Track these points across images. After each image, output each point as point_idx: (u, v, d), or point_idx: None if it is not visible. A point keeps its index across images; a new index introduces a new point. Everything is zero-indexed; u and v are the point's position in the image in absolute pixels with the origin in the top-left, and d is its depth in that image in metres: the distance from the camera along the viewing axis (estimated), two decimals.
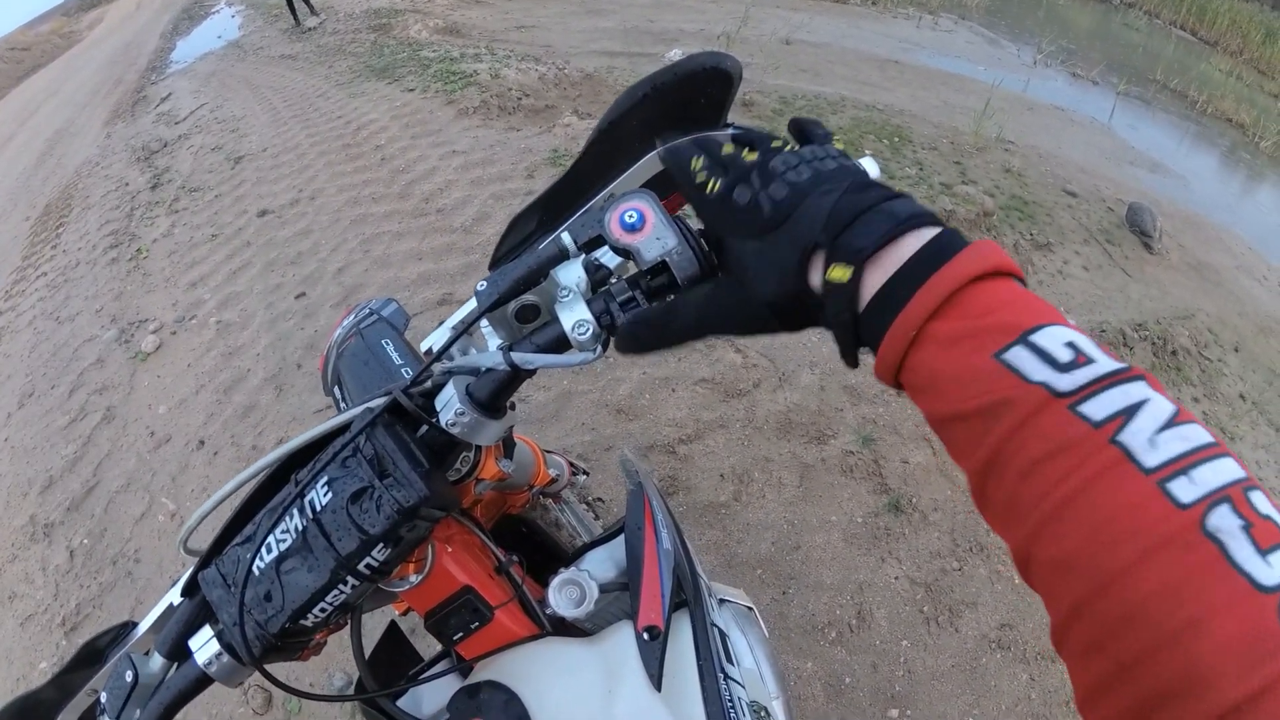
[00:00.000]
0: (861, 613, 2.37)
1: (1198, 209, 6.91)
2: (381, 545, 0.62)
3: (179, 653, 0.72)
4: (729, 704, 0.73)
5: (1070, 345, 0.40)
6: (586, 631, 0.81)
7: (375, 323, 1.52)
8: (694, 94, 0.68)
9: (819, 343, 3.26)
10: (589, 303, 0.61)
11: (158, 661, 0.74)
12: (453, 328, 0.74)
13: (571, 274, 0.63)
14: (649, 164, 0.70)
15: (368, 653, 0.84)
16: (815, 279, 0.48)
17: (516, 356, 0.62)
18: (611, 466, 2.77)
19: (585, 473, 1.42)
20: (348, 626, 0.77)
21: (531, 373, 0.65)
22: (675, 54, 8.43)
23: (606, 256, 0.66)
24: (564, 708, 0.71)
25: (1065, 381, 0.38)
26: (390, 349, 1.40)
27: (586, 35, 9.88)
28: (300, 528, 0.63)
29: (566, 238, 0.63)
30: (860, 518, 2.64)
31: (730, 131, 0.65)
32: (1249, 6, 22.22)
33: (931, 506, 2.67)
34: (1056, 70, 11.35)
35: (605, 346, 0.62)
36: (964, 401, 0.41)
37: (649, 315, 0.58)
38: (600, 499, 2.62)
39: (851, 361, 0.50)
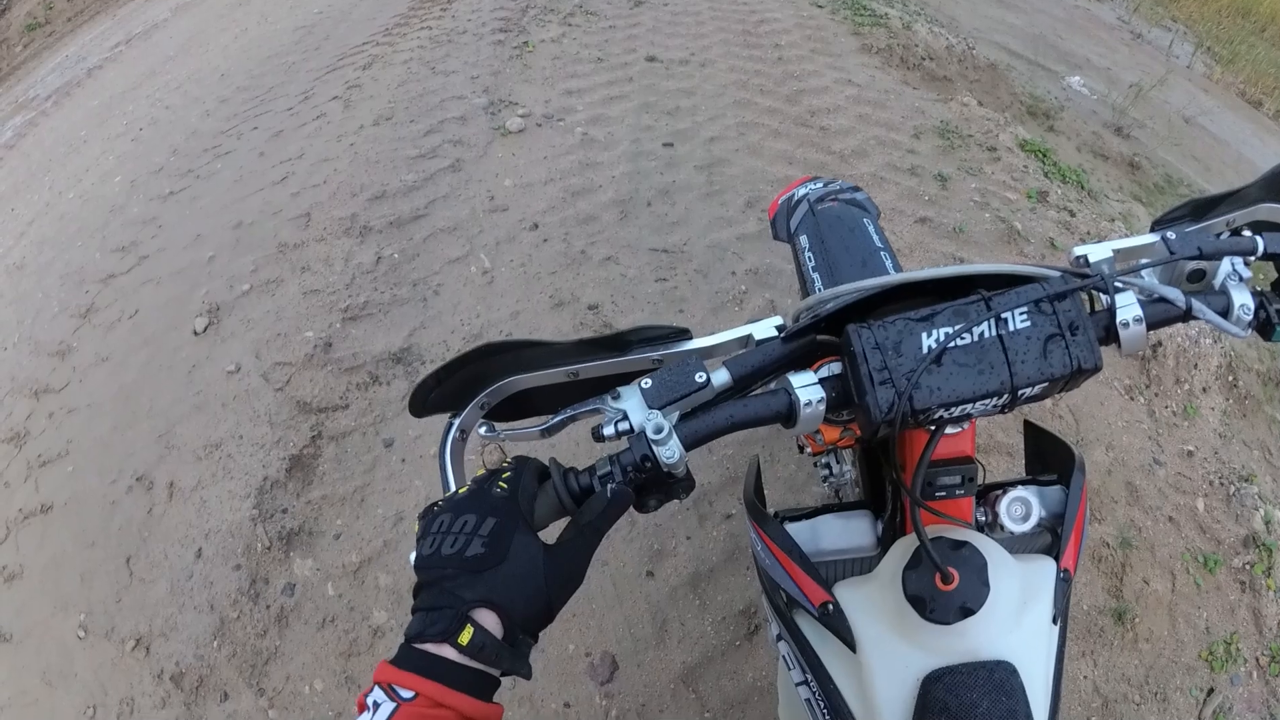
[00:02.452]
0: None
1: None
2: (1046, 385, 0.71)
3: (749, 382, 0.79)
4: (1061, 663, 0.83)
5: None
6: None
7: (855, 203, 1.63)
8: None
9: (1122, 430, 3.06)
10: (1253, 295, 0.77)
11: (723, 379, 0.77)
12: (1120, 250, 0.83)
13: (1236, 266, 0.80)
14: (1268, 212, 0.92)
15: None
16: None
17: (1198, 306, 0.75)
18: None
19: None
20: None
21: (1183, 318, 0.77)
22: (1075, 81, 8.04)
23: (1243, 268, 0.80)
24: (1002, 600, 0.77)
25: None
26: (871, 230, 1.53)
27: (992, 23, 9.42)
28: (984, 335, 0.71)
29: (1262, 241, 0.78)
30: (1085, 605, 2.54)
31: None
32: None
33: (1146, 635, 2.52)
34: None
35: (1247, 331, 0.78)
36: None
37: None
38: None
39: None
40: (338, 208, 3.82)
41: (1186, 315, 0.75)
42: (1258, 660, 2.60)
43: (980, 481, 0.93)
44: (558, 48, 5.33)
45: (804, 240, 1.54)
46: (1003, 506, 0.91)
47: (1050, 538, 0.93)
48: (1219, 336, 3.84)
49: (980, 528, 0.93)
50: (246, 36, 7.50)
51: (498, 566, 0.63)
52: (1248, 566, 2.78)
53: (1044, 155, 4.70)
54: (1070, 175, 4.23)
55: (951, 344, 0.70)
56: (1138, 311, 0.74)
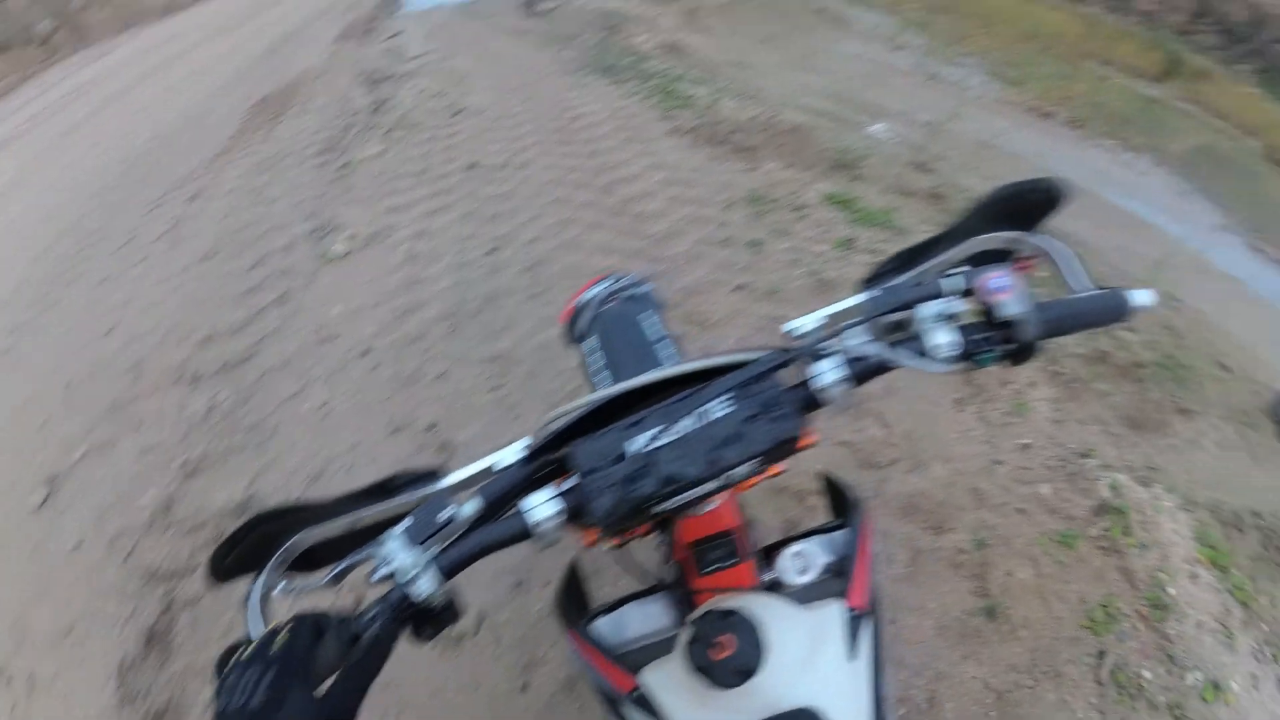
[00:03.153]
0: (933, 700, 2.40)
1: None
2: (752, 462, 0.78)
3: (499, 507, 0.84)
4: (885, 694, 0.89)
5: None
6: (791, 601, 0.93)
7: (637, 297, 1.70)
8: (1028, 202, 0.95)
9: (956, 442, 3.28)
10: (952, 330, 0.81)
11: (473, 509, 0.83)
12: (829, 315, 0.92)
13: (937, 308, 0.83)
14: (980, 243, 0.95)
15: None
16: None
17: (898, 353, 0.81)
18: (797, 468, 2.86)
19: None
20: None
21: (892, 368, 0.83)
22: (878, 129, 8.56)
23: (958, 305, 0.84)
24: (784, 654, 0.83)
25: None
26: (654, 322, 1.61)
27: (797, 88, 9.98)
28: (689, 429, 0.79)
29: (947, 283, 0.84)
30: (956, 612, 2.68)
31: (1040, 240, 0.95)
32: None
33: (1022, 623, 2.68)
34: (1240, 240, 11.03)
35: (954, 365, 0.82)
36: None
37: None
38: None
39: None
40: (167, 355, 3.80)
41: (887, 366, 0.83)
42: (1139, 612, 2.79)
43: (759, 543, 1.05)
44: (380, 164, 5.45)
45: (590, 344, 1.61)
46: (782, 563, 0.99)
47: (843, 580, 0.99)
48: (1153, 309, 4.14)
49: (771, 586, 1.00)
50: (75, 170, 7.38)
51: (273, 716, 0.68)
52: (1105, 532, 3.01)
53: (848, 204, 5.04)
54: (877, 217, 4.54)
55: (657, 444, 0.78)
56: (839, 374, 0.81)
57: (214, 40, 12.73)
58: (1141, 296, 0.85)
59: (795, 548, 1.01)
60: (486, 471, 0.90)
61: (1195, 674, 2.73)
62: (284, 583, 0.89)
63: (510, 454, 0.90)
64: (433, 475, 0.92)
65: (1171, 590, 2.96)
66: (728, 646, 0.82)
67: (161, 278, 4.57)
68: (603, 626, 1.07)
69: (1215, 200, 12.53)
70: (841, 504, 1.12)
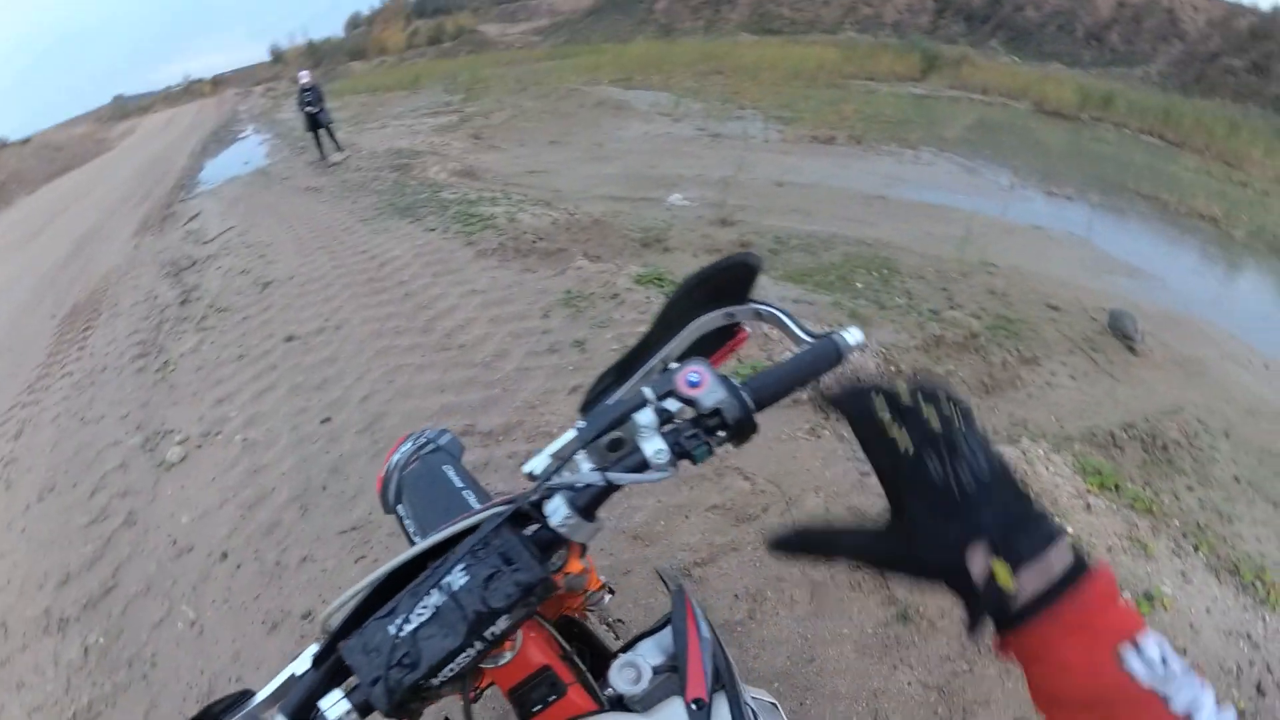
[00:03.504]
0: (878, 718, 2.47)
1: (1178, 307, 7.44)
2: (505, 616, 0.79)
3: (304, 714, 0.84)
4: None
5: (1162, 655, 0.51)
6: (635, 711, 0.95)
7: (435, 450, 1.72)
8: (728, 279, 0.99)
9: (821, 468, 3.48)
10: (663, 436, 0.83)
11: None
12: (553, 454, 0.95)
13: (647, 416, 0.85)
14: (694, 330, 1.01)
15: None
16: (976, 566, 0.56)
17: (614, 476, 0.82)
18: (631, 590, 2.95)
19: (611, 591, 1.58)
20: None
21: (619, 488, 0.85)
22: (676, 198, 9.04)
23: (672, 405, 0.86)
24: None
25: (1166, 688, 0.50)
26: (451, 473, 1.61)
27: (592, 180, 10.47)
28: (438, 604, 0.80)
29: (648, 391, 0.86)
30: (870, 629, 2.76)
31: (754, 306, 1.00)
32: (1211, 104, 23.66)
33: (938, 614, 2.80)
34: (1033, 191, 12.06)
35: (675, 466, 0.82)
36: (1086, 692, 0.52)
37: (813, 528, 0.70)
38: (620, 620, 2.78)
39: (977, 632, 0.57)
40: (29, 606, 3.69)
41: (612, 487, 0.83)
42: None
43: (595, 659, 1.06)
44: (198, 357, 5.45)
45: (403, 509, 1.61)
46: (613, 678, 0.96)
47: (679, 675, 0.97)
48: (864, 346, 4.41)
49: (615, 701, 0.98)
50: None
51: None
52: None
53: (660, 279, 5.34)
54: None
55: (415, 626, 0.79)
56: (565, 511, 0.82)
57: (11, 255, 12.31)
58: (852, 336, 0.91)
59: (622, 659, 0.98)
60: (290, 680, 0.91)
61: (1124, 594, 2.94)
62: None
63: (305, 659, 0.90)
64: (247, 695, 0.93)
65: (1070, 529, 3.21)
66: None
67: (4, 524, 4.44)
68: None
69: (1001, 165, 13.70)
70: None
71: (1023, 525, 0.55)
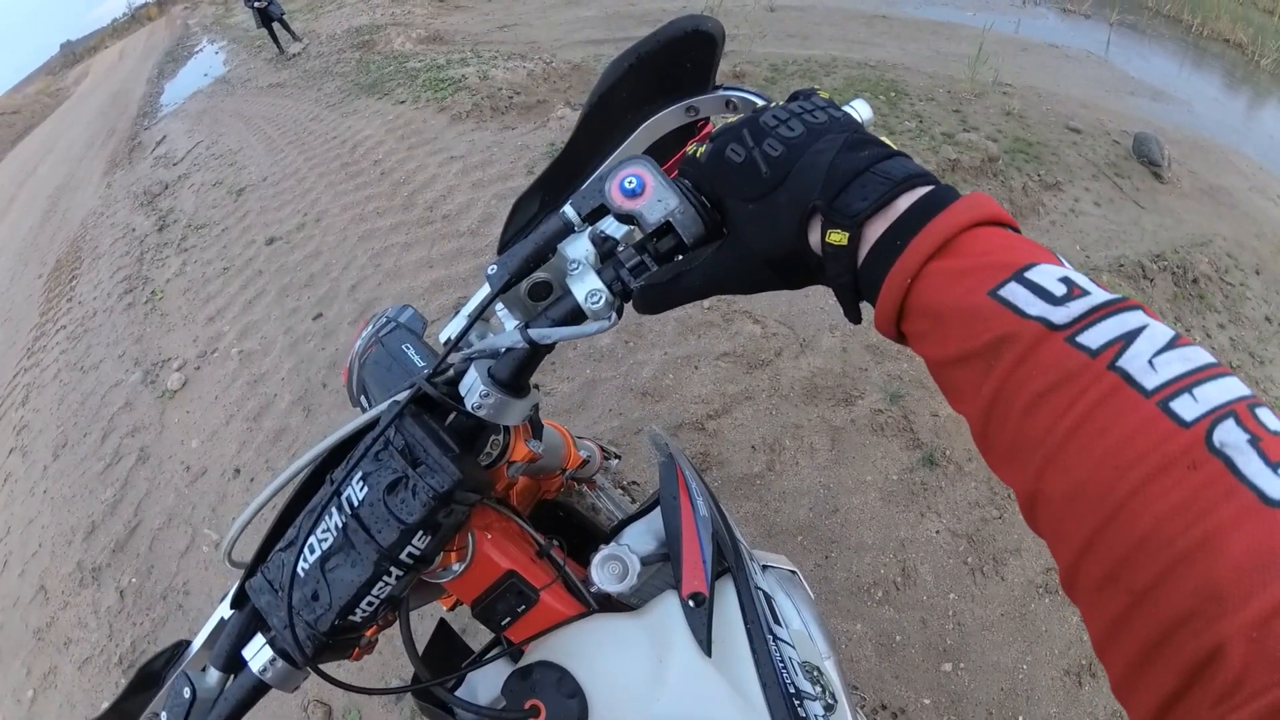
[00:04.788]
0: (906, 570, 2.36)
1: (1204, 133, 6.86)
2: (421, 533, 0.63)
3: (234, 664, 0.73)
4: (780, 665, 0.73)
5: (1064, 280, 0.40)
6: (631, 606, 0.80)
7: (394, 329, 1.52)
8: (679, 59, 0.71)
9: (836, 304, 3.25)
10: (599, 272, 0.62)
11: (214, 676, 0.75)
12: (468, 315, 0.75)
13: (579, 247, 0.63)
14: (645, 134, 0.74)
15: (421, 650, 0.85)
16: (814, 238, 0.49)
17: (534, 333, 0.62)
18: (643, 449, 2.77)
19: (617, 456, 1.43)
20: (398, 624, 0.77)
21: (550, 348, 0.66)
22: None
23: (611, 226, 0.66)
24: (616, 680, 0.71)
25: (1061, 314, 0.38)
26: (411, 352, 1.41)
27: (569, 27, 9.92)
28: (340, 525, 0.64)
29: (570, 211, 0.63)
30: (895, 475, 2.63)
31: (723, 93, 0.71)
32: None
33: (966, 457, 2.66)
34: (1047, 7, 11.36)
35: (620, 313, 0.63)
36: (965, 341, 0.41)
37: (658, 278, 0.60)
38: (635, 482, 2.61)
39: (854, 317, 0.53)
40: (61, 564, 3.64)
41: (537, 347, 0.64)
42: None
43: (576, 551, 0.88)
44: (184, 280, 5.24)
45: (365, 402, 1.52)
46: (594, 574, 0.79)
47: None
48: (873, 120, 4.20)
49: (604, 599, 0.82)
50: None
51: None
52: None
53: None
54: None
55: (318, 556, 0.64)
56: (481, 387, 0.65)
57: None
58: (861, 109, 0.61)
59: (603, 552, 0.80)
60: (220, 625, 0.80)
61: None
62: None
63: (226, 602, 0.78)
64: (183, 645, 0.84)
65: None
66: (541, 710, 0.69)
67: (26, 491, 4.36)
68: (462, 692, 0.89)
69: None
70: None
71: (859, 180, 0.47)
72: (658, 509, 0.86)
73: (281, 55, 12.09)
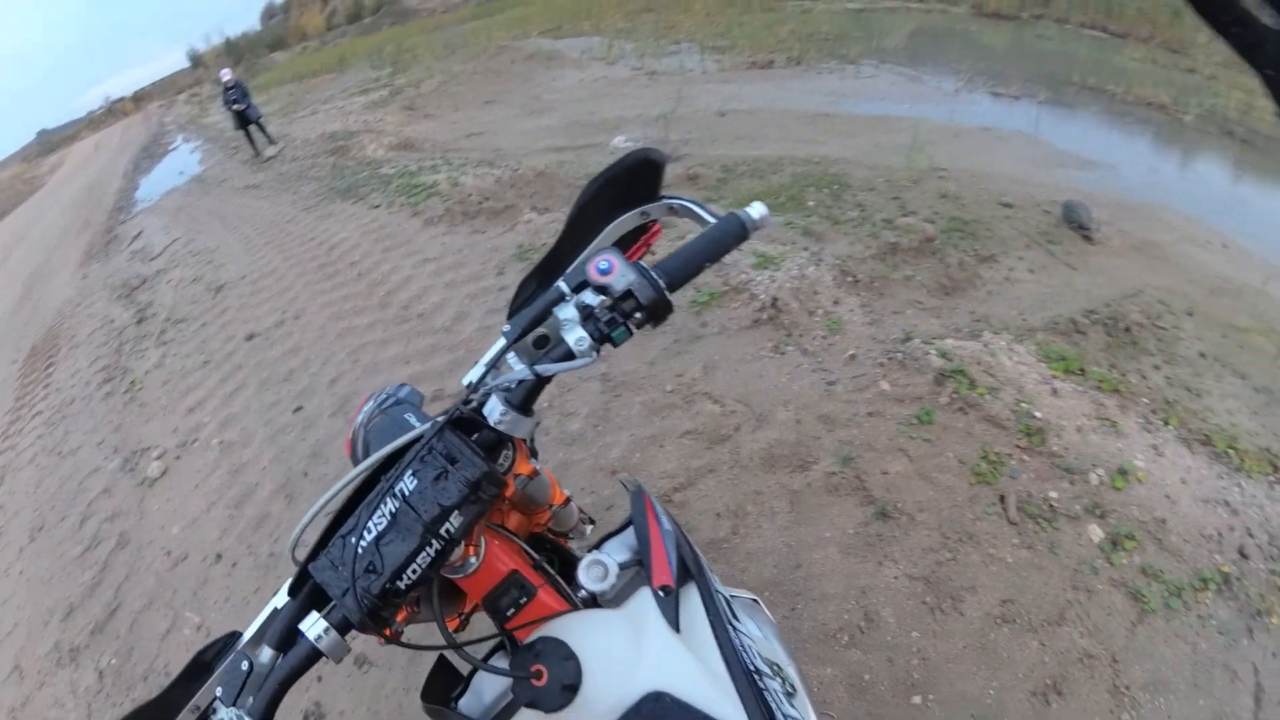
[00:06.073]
0: (869, 614, 2.52)
1: (1132, 193, 7.39)
2: (456, 513, 0.86)
3: (288, 642, 0.90)
4: (741, 647, 0.92)
5: None
6: (608, 606, 1.00)
7: (397, 404, 1.79)
8: (635, 179, 1.05)
9: (788, 382, 3.55)
10: (583, 325, 0.91)
11: (268, 653, 0.91)
12: (486, 362, 1.02)
13: (568, 310, 0.94)
14: (612, 231, 1.07)
15: (424, 681, 1.08)
16: None
17: (540, 368, 0.91)
18: (616, 518, 2.99)
19: (592, 522, 1.64)
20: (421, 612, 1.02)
21: (550, 379, 0.94)
22: (619, 140, 8.98)
23: (589, 296, 0.95)
24: (604, 653, 0.90)
25: None
26: (413, 418, 1.60)
27: (533, 135, 10.38)
28: (393, 510, 0.86)
29: (563, 285, 0.96)
30: (852, 529, 2.82)
31: (667, 201, 1.07)
32: None
33: (916, 508, 2.85)
34: (979, 94, 12.05)
35: (598, 353, 0.91)
36: None
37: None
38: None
39: None
40: (38, 644, 3.71)
41: (541, 379, 0.91)
42: (1018, 446, 3.02)
43: (546, 568, 1.08)
44: (163, 371, 5.41)
45: None
46: (582, 578, 1.00)
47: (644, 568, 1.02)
48: (819, 260, 4.51)
49: (589, 601, 1.03)
50: None
51: None
52: (954, 395, 3.25)
53: None
54: None
55: (374, 534, 0.85)
56: (501, 408, 0.91)
57: None
58: (755, 210, 0.99)
59: (589, 558, 1.02)
60: (273, 614, 0.96)
61: (1097, 471, 2.96)
62: None
63: (281, 594, 0.96)
64: (235, 636, 0.99)
65: (1039, 414, 3.20)
66: (544, 673, 0.87)
67: (2, 571, 4.44)
68: (464, 706, 1.08)
69: (946, 70, 13.70)
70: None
71: None
72: (630, 528, 1.08)
73: (257, 157, 12.46)
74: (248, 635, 0.97)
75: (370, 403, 1.45)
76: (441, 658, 1.16)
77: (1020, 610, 2.56)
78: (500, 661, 1.05)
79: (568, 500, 1.44)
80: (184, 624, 3.37)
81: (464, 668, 1.14)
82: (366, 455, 1.41)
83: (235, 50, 60.42)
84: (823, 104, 10.85)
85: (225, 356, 5.16)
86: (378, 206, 7.18)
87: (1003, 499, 2.86)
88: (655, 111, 9.92)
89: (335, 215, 7.47)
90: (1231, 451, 3.21)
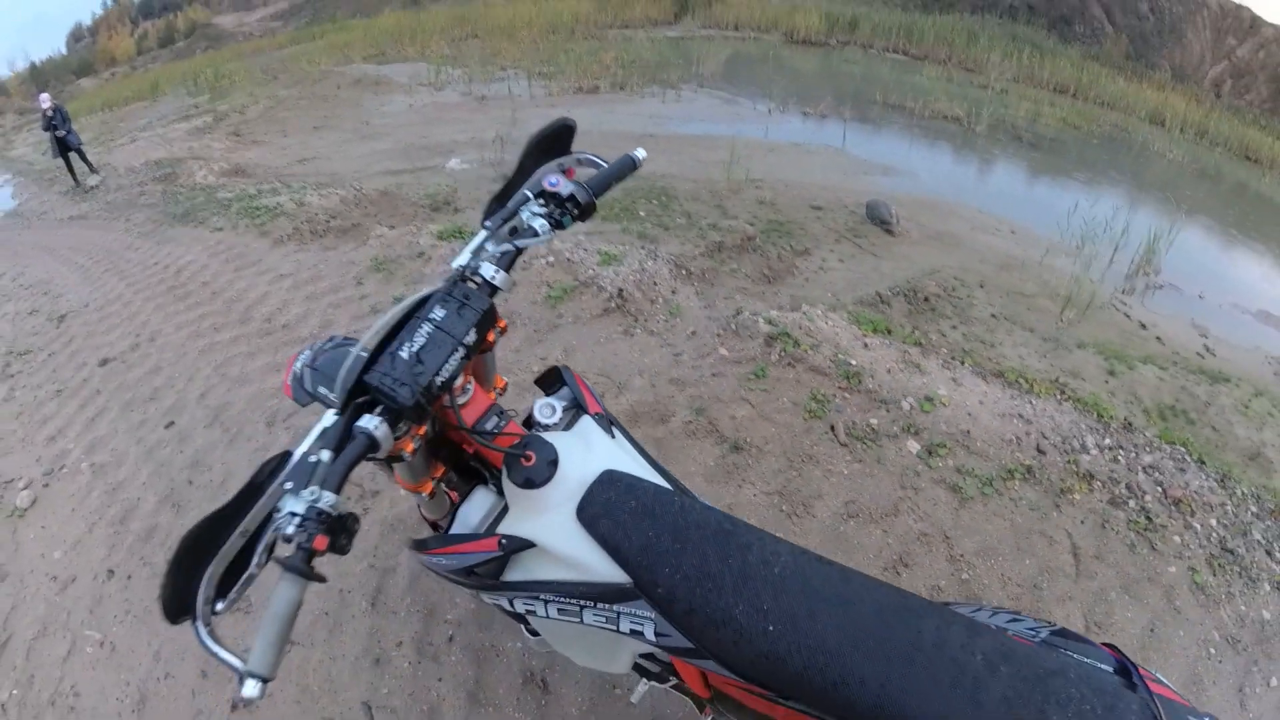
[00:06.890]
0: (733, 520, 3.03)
1: (930, 194, 8.75)
2: (473, 329, 1.29)
3: (344, 444, 1.11)
4: (647, 450, 1.48)
5: None
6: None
7: (336, 346, 1.90)
8: (556, 138, 1.56)
9: (640, 356, 4.09)
10: (544, 216, 1.44)
11: (326, 454, 1.09)
12: (471, 250, 1.43)
13: (534, 207, 1.46)
14: (543, 172, 1.52)
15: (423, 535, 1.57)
16: None
17: (519, 241, 1.42)
18: None
19: None
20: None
21: (523, 250, 1.45)
22: (455, 163, 9.46)
23: (542, 202, 1.48)
24: (568, 451, 1.31)
25: None
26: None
27: (367, 159, 10.53)
28: (429, 331, 1.25)
29: (528, 190, 1.47)
30: (712, 462, 3.38)
31: (576, 155, 1.59)
32: (950, 18, 26.10)
33: (763, 441, 3.46)
34: (790, 113, 13.25)
35: (553, 231, 1.44)
36: None
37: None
38: None
39: None
40: None
41: (519, 249, 1.42)
42: (840, 388, 3.74)
43: (510, 411, 1.45)
44: (14, 405, 5.22)
45: (323, 390, 1.63)
46: (538, 414, 1.41)
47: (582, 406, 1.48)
48: (656, 257, 5.11)
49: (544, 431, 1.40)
50: None
51: None
52: (782, 352, 3.95)
53: (459, 233, 5.62)
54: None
55: (418, 346, 1.21)
56: (494, 268, 1.38)
57: None
58: (639, 153, 1.63)
59: (540, 401, 1.44)
60: (324, 431, 1.16)
61: (908, 400, 3.72)
62: (219, 606, 1.05)
63: (327, 417, 1.18)
64: (285, 455, 1.13)
65: (854, 362, 3.93)
66: (532, 457, 1.26)
67: None
68: (454, 529, 1.43)
69: (760, 93, 14.84)
70: (551, 380, 1.58)
71: None
72: (565, 387, 1.53)
73: (78, 187, 11.93)
74: (302, 449, 1.14)
75: (305, 352, 1.57)
76: (435, 528, 1.68)
77: (861, 508, 3.19)
78: (484, 492, 1.47)
79: (504, 387, 1.76)
80: (85, 642, 3.35)
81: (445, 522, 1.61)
82: (321, 386, 1.60)
83: (40, 76, 56.06)
84: (647, 125, 11.89)
85: (81, 383, 5.06)
86: (221, 229, 7.13)
87: (833, 428, 3.51)
88: (489, 135, 10.37)
89: (177, 240, 7.35)
90: (1022, 380, 3.96)
